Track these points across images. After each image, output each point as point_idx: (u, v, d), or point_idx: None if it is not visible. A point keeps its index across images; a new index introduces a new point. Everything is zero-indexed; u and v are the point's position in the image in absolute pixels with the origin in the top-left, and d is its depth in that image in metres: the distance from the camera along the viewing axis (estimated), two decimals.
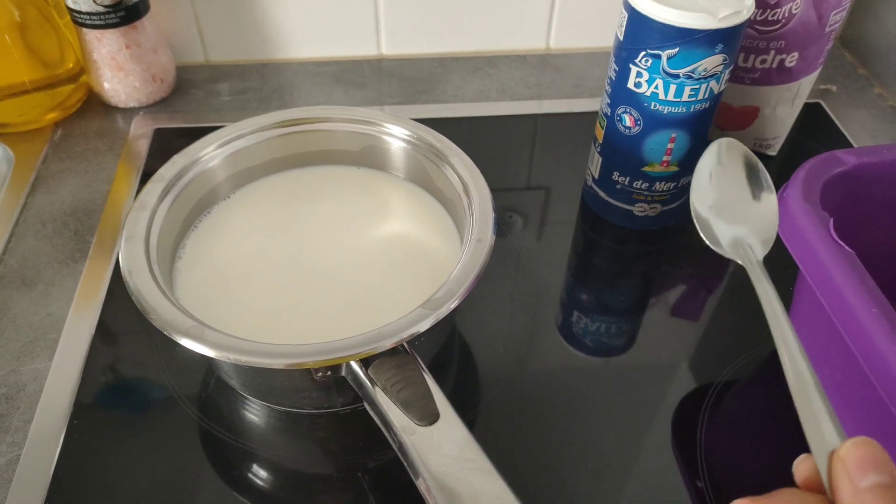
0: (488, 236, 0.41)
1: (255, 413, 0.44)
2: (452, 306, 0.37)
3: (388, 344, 0.35)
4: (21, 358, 0.46)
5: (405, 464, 0.33)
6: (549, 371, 0.47)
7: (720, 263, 0.54)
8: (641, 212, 0.54)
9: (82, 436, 0.42)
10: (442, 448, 0.32)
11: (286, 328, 0.41)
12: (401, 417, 0.34)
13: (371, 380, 0.35)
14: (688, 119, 0.47)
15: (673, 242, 0.56)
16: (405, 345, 0.37)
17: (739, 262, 0.33)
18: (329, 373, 0.38)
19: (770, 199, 0.34)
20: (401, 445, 0.33)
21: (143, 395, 0.45)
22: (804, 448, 0.43)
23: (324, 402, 0.42)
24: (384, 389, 0.35)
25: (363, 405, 0.37)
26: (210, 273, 0.44)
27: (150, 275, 0.38)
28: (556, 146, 0.64)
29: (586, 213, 0.57)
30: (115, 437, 0.42)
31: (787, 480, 0.41)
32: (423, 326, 0.36)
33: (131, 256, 0.39)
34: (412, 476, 0.33)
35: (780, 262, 0.54)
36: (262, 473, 0.41)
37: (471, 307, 0.50)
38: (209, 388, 0.45)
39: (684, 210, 0.56)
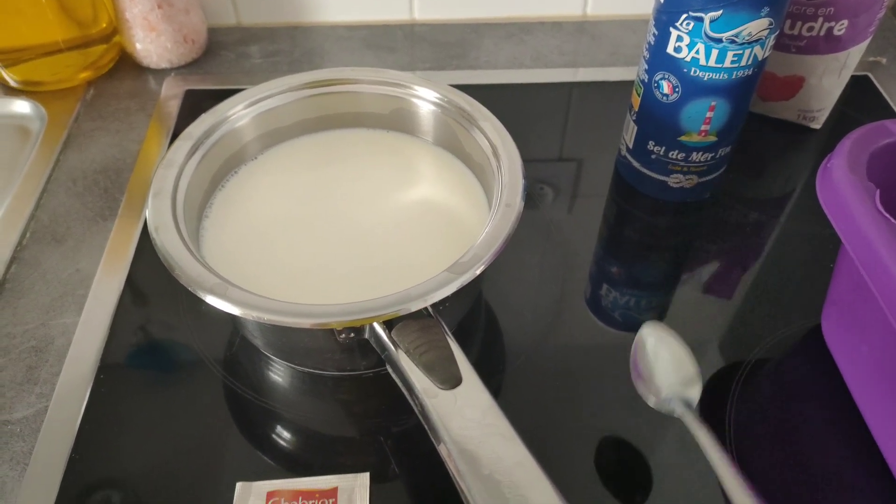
0: (517, 201, 0.40)
1: (278, 374, 0.44)
2: (478, 271, 0.36)
3: (412, 307, 0.35)
4: (50, 312, 0.46)
5: (427, 428, 0.33)
6: (576, 343, 0.46)
7: (755, 240, 0.53)
8: (677, 183, 0.52)
9: (108, 390, 0.42)
10: (464, 412, 0.32)
11: (311, 289, 0.41)
12: (423, 380, 0.33)
13: (394, 342, 0.35)
14: (729, 86, 0.45)
15: (708, 215, 0.54)
16: (429, 308, 0.36)
17: (677, 416, 0.37)
18: (352, 334, 0.37)
19: (689, 360, 0.39)
20: (422, 409, 0.33)
21: (168, 352, 0.45)
22: (834, 427, 0.42)
23: (347, 364, 0.42)
24: (407, 352, 0.34)
25: (386, 369, 0.37)
26: (236, 233, 0.44)
27: (176, 232, 0.38)
28: (590, 116, 0.63)
29: (619, 184, 0.56)
30: (140, 393, 0.43)
31: (817, 461, 0.40)
32: (448, 291, 0.35)
33: (158, 213, 0.39)
34: (434, 441, 0.32)
35: (818, 238, 0.52)
36: (285, 434, 0.42)
37: (498, 275, 0.49)
38: (234, 347, 0.45)
39: (721, 182, 0.54)
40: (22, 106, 0.62)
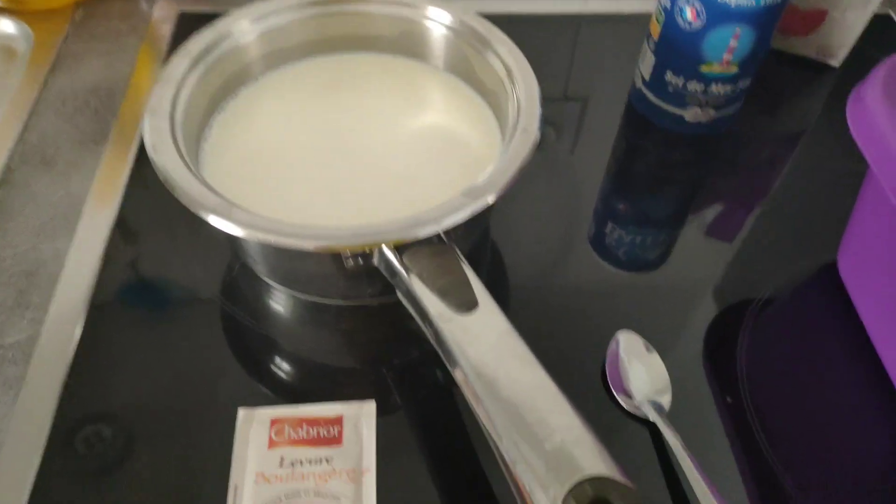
0: (534, 127, 0.38)
1: (280, 302, 0.43)
2: (493, 197, 0.35)
3: (426, 231, 0.33)
4: (40, 236, 0.44)
5: (441, 353, 0.32)
6: (581, 282, 0.45)
7: (768, 176, 0.51)
8: (693, 117, 0.50)
9: (104, 316, 0.41)
10: (480, 336, 0.30)
11: (316, 216, 0.39)
12: (437, 305, 0.32)
13: (406, 267, 0.34)
14: (755, 13, 0.43)
15: (721, 151, 0.53)
16: (441, 234, 0.35)
17: (651, 419, 0.37)
18: (360, 260, 0.36)
19: (660, 368, 0.40)
20: (437, 334, 0.31)
21: (165, 279, 0.43)
22: (848, 363, 0.41)
23: (352, 292, 0.41)
24: (420, 277, 0.33)
25: (392, 299, 0.35)
26: (238, 157, 0.42)
27: (175, 150, 0.36)
28: (599, 52, 0.60)
29: (632, 118, 0.54)
30: (137, 321, 0.41)
31: (831, 397, 0.40)
32: (463, 215, 0.34)
33: (156, 131, 0.37)
34: (449, 366, 0.31)
35: (832, 175, 0.51)
36: (287, 363, 0.40)
37: (504, 213, 0.48)
38: (233, 273, 0.43)
39: (739, 116, 0.52)
40: (6, 25, 0.58)
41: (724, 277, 0.45)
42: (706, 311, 0.43)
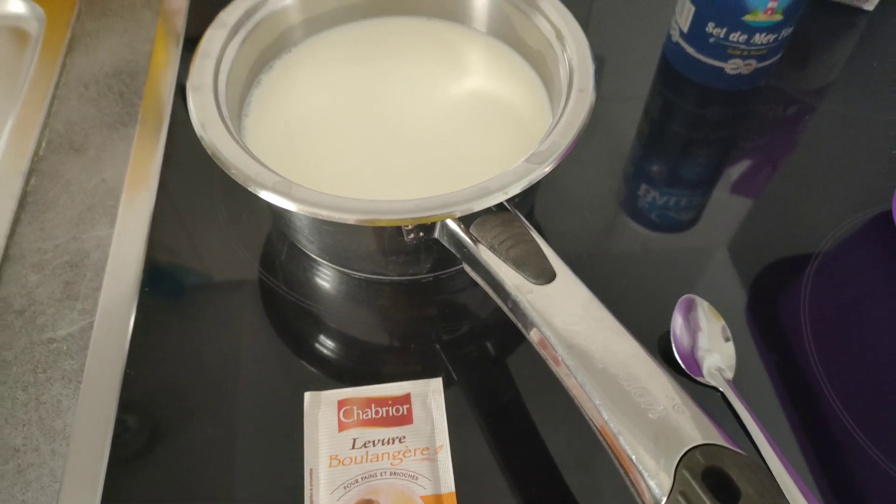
0: (590, 86, 0.37)
1: (330, 282, 0.42)
2: (557, 162, 0.34)
3: (492, 200, 0.32)
4: (80, 225, 0.43)
5: (519, 324, 0.31)
6: (627, 247, 0.44)
7: (811, 129, 0.50)
8: (734, 69, 0.49)
9: (156, 303, 0.40)
10: (564, 307, 0.30)
11: (364, 190, 0.38)
12: (513, 276, 0.31)
13: (473, 238, 0.33)
14: None
15: (760, 105, 0.51)
16: (507, 203, 0.34)
17: (716, 386, 0.37)
18: (421, 234, 0.35)
19: (724, 335, 0.39)
20: (515, 305, 0.31)
21: (212, 261, 0.42)
22: None
23: (408, 268, 0.40)
24: (491, 248, 0.32)
25: (445, 273, 0.34)
26: (281, 131, 0.40)
27: (224, 127, 0.35)
28: (619, 8, 0.59)
29: (667, 73, 0.53)
30: (190, 306, 0.40)
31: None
32: (530, 181, 0.33)
33: (202, 108, 0.36)
34: (523, 330, 0.31)
35: (877, 125, 0.48)
36: (343, 346, 0.40)
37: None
38: (282, 255, 0.42)
39: (778, 67, 0.51)
40: (16, 5, 0.56)
41: (777, 234, 0.44)
42: (765, 269, 0.43)
